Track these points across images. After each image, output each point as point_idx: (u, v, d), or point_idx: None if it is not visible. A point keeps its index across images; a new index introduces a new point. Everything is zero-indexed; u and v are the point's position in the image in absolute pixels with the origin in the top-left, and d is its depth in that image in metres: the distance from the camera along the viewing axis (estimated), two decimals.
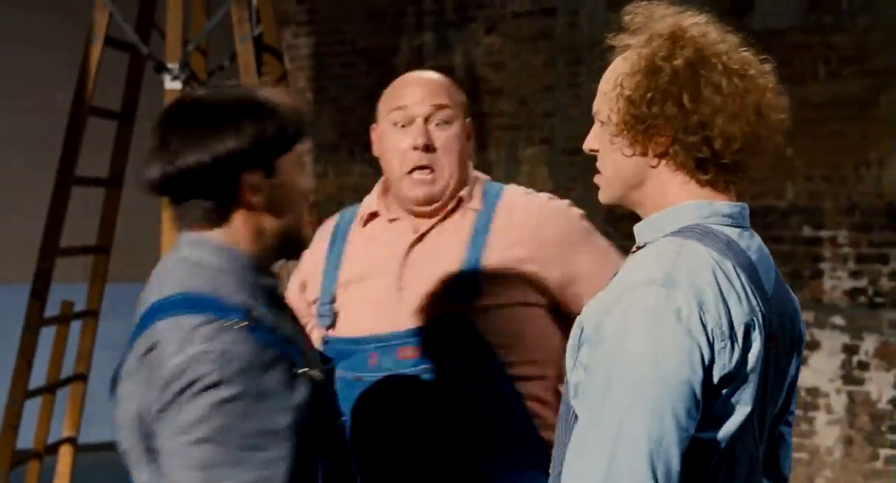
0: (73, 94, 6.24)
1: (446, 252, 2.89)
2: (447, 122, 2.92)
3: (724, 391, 1.97)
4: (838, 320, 7.67)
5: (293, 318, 2.34)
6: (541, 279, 2.88)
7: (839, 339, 7.66)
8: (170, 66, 6.06)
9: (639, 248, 2.14)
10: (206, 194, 2.16)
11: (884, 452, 7.54)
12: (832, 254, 7.75)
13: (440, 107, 2.92)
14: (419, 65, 9.31)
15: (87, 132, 6.43)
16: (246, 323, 2.08)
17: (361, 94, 9.62)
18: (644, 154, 2.11)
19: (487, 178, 3.08)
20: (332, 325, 2.90)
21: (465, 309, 2.81)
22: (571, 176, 8.24)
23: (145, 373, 2.07)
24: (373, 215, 3.02)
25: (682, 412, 1.90)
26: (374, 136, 3.03)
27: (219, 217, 2.18)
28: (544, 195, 3.08)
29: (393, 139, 2.91)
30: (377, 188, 3.06)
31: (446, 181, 2.90)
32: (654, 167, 2.12)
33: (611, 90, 2.13)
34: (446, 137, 2.90)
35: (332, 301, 2.91)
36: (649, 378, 1.91)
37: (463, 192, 2.93)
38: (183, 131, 2.17)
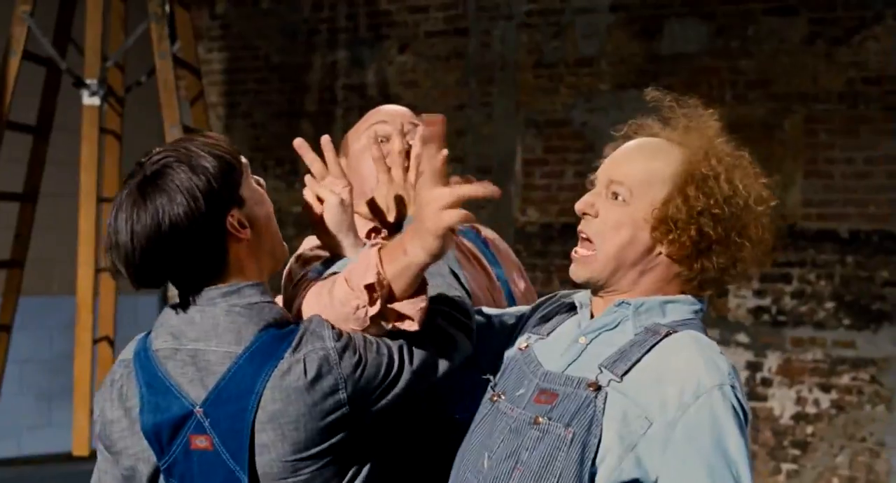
0: None
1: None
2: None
3: None
4: (742, 338, 7.83)
5: None
6: None
7: (743, 356, 7.82)
8: (88, 81, 6.12)
9: (648, 328, 2.24)
10: (200, 252, 2.23)
11: (786, 467, 7.75)
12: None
13: (415, 125, 2.94)
14: (332, 82, 9.45)
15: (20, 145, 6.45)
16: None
17: (274, 109, 9.71)
18: (653, 247, 2.26)
19: None
20: None
21: None
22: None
23: (308, 398, 2.19)
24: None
25: None
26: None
27: (223, 266, 2.27)
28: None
29: (377, 152, 2.80)
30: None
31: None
32: (657, 256, 2.27)
33: (659, 185, 2.26)
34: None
35: None
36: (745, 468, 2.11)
37: None
38: (147, 212, 2.21)
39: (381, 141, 2.85)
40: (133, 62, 6.89)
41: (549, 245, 8.31)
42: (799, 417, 7.72)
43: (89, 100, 6.11)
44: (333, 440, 2.21)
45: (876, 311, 7.53)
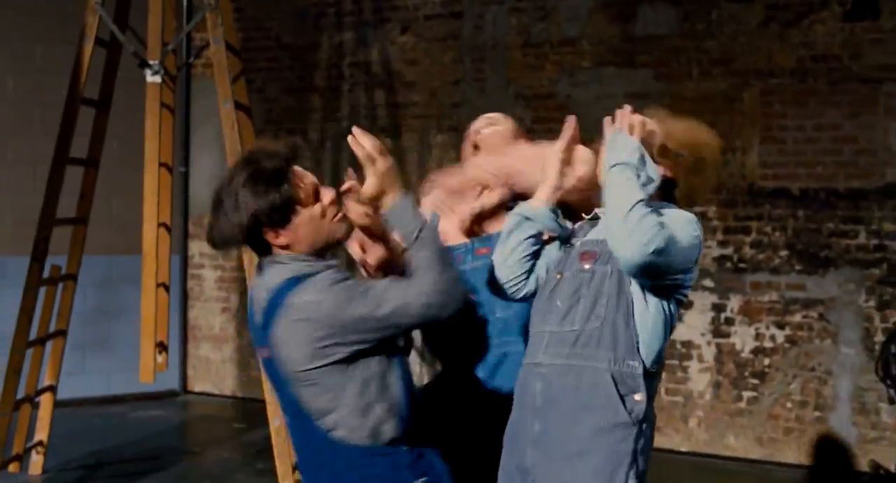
0: (67, 86, 6.92)
1: None
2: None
3: None
4: (708, 283, 8.36)
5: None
6: None
7: (709, 299, 8.37)
8: (151, 62, 6.84)
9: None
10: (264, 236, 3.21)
11: (746, 394, 8.29)
12: (703, 226, 8.32)
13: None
14: (339, 60, 9.94)
15: (54, 118, 7.10)
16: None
17: (285, 85, 10.18)
18: None
19: None
20: None
21: None
22: None
23: (302, 326, 3.08)
24: None
25: None
26: None
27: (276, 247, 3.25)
28: None
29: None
30: None
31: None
32: None
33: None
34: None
35: None
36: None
37: None
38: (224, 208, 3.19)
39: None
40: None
41: None
42: (757, 351, 8.25)
43: (152, 78, 6.79)
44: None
45: (823, 258, 8.03)
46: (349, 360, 3.12)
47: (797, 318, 8.18)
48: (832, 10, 8.03)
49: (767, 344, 8.27)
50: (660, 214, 3.18)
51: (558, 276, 3.38)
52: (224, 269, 10.52)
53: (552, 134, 3.78)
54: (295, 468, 6.95)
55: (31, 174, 9.53)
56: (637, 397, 3.22)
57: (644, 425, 3.23)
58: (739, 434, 8.37)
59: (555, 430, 3.24)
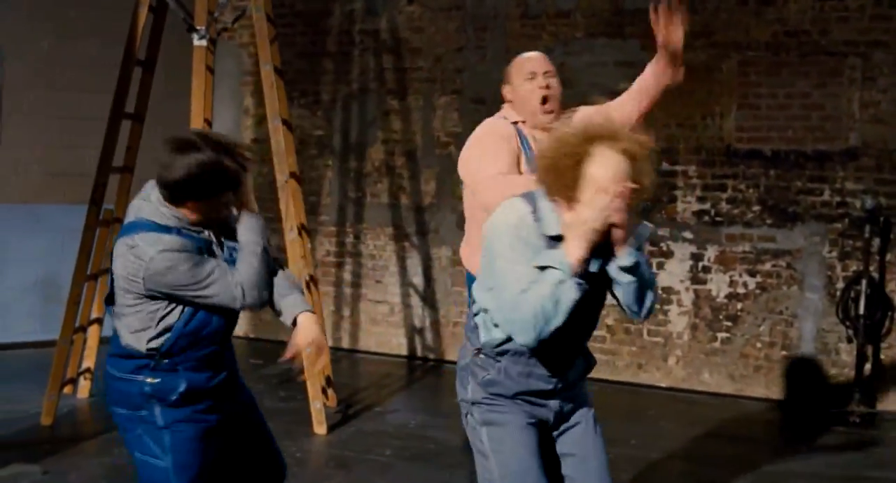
0: (122, 49, 7.57)
1: None
2: (553, 77, 4.80)
3: None
4: (688, 235, 8.86)
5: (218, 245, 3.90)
6: None
7: (688, 249, 8.87)
8: (198, 27, 7.52)
9: None
10: None
11: (720, 335, 8.80)
12: (684, 184, 8.89)
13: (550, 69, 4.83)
14: (350, 26, 10.35)
15: (102, 76, 7.68)
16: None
17: (299, 49, 10.60)
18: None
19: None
20: None
21: None
22: (476, 120, 9.03)
23: (132, 262, 3.68)
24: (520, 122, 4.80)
25: None
26: (508, 90, 4.83)
27: None
28: None
29: (526, 85, 4.74)
30: (508, 110, 4.85)
31: (557, 109, 4.74)
32: None
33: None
34: (556, 83, 4.80)
35: None
36: None
37: None
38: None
39: (531, 79, 4.78)
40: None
41: None
42: (731, 296, 8.72)
43: (199, 42, 7.45)
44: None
45: (792, 213, 8.51)
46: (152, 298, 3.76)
47: (767, 266, 8.64)
48: None
49: (740, 290, 8.74)
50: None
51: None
52: None
53: None
54: (323, 391, 7.77)
55: (58, 128, 10.10)
56: None
57: None
58: (714, 371, 8.84)
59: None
